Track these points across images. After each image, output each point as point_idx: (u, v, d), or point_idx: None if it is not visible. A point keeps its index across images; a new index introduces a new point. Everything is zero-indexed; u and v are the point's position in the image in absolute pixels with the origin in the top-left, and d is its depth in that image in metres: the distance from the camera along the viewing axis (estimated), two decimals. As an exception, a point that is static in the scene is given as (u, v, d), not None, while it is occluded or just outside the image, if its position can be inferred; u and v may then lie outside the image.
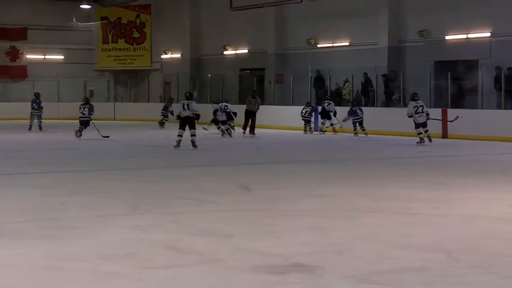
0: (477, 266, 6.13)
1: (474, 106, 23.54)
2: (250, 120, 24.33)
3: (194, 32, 37.15)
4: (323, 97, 27.73)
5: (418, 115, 20.12)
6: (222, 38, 35.08)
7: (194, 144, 18.42)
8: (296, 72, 29.88)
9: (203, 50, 37.06)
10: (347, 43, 29.54)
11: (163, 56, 39.49)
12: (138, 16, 40.40)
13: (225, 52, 35.34)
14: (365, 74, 26.96)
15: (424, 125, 20.14)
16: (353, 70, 27.04)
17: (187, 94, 19.47)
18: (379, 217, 8.64)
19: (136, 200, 9.79)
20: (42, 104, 26.40)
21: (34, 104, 26.43)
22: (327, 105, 25.55)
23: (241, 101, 31.08)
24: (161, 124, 29.23)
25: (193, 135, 18.58)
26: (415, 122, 20.24)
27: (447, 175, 13.11)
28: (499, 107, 22.81)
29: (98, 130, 21.71)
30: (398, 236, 7.40)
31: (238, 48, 34.80)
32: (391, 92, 26.60)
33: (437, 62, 26.29)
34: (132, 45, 40.76)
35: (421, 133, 20.11)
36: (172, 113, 27.97)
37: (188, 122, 18.61)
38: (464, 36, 25.60)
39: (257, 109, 24.69)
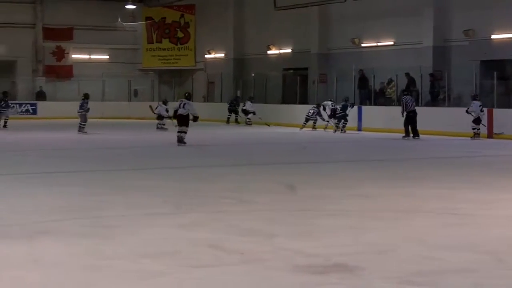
0: (523, 268, 6.05)
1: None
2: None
3: (237, 32, 37.21)
4: (367, 96, 27.69)
5: (482, 113, 21.72)
6: (265, 37, 35.08)
7: (181, 140, 18.90)
8: (340, 72, 29.75)
9: (246, 50, 37.09)
10: (392, 43, 29.33)
11: (207, 56, 39.63)
12: (182, 16, 40.60)
13: (268, 52, 35.33)
14: (407, 74, 26.73)
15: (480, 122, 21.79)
16: (397, 70, 26.85)
17: (186, 94, 20.57)
18: (422, 217, 8.57)
19: (179, 199, 9.84)
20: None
21: (2, 103, 26.86)
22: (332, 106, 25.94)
23: (284, 101, 31.09)
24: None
25: (182, 132, 19.06)
26: (479, 119, 21.60)
27: (492, 175, 12.98)
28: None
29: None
30: (442, 237, 7.34)
31: (281, 48, 34.77)
32: (437, 91, 26.35)
33: (482, 61, 25.97)
34: (176, 45, 40.98)
35: (478, 129, 21.58)
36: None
37: (181, 119, 19.13)
38: (510, 35, 25.25)
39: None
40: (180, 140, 18.91)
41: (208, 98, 38.44)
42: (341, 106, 25.56)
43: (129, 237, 7.28)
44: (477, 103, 21.67)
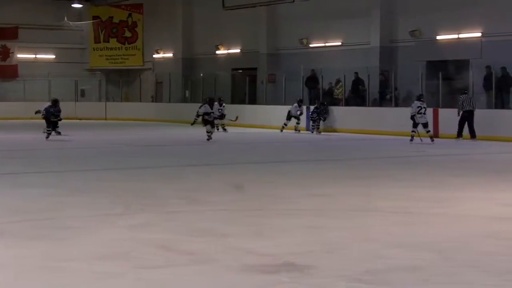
0: (470, 265, 6.14)
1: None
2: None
3: (186, 32, 37.12)
4: (316, 96, 27.87)
5: (420, 115, 20.62)
6: (214, 37, 35.07)
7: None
8: (289, 71, 29.88)
9: (195, 49, 37.03)
10: (339, 43, 29.57)
11: (155, 56, 39.46)
12: (130, 15, 40.36)
13: (217, 52, 35.33)
14: (356, 74, 27.00)
15: (425, 125, 20.72)
16: (345, 70, 27.06)
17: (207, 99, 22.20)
18: (374, 216, 8.65)
19: (131, 199, 9.78)
20: None
21: None
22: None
23: (233, 101, 31.12)
24: None
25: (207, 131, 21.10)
26: (414, 121, 20.68)
27: (441, 175, 13.16)
28: (489, 106, 22.85)
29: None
30: (392, 236, 7.41)
31: (230, 48, 34.79)
32: (384, 92, 26.63)
33: (428, 62, 26.35)
34: (124, 45, 40.71)
35: (414, 131, 20.69)
36: None
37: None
38: (455, 36, 25.67)
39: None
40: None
41: (156, 98, 38.27)
42: (315, 107, 25.44)
43: (82, 239, 7.21)
44: (416, 103, 20.77)
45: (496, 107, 22.75)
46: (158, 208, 9.21)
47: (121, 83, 40.02)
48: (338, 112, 26.29)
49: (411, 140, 20.65)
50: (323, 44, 30.19)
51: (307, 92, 29.00)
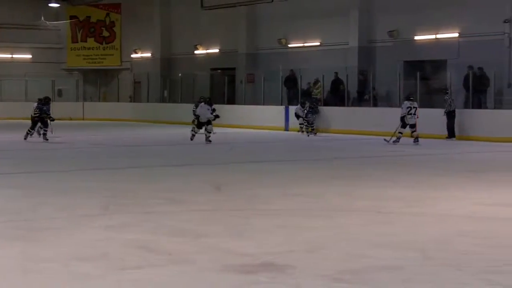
0: (448, 264, 6.17)
1: (442, 106, 23.66)
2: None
3: (164, 32, 37.04)
4: (295, 96, 27.91)
5: (410, 116, 20.20)
6: (193, 37, 35.02)
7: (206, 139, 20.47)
8: (267, 71, 29.89)
9: (173, 49, 36.95)
10: (318, 43, 29.63)
11: (133, 56, 39.33)
12: (107, 15, 40.20)
13: (196, 52, 35.27)
14: (336, 73, 27.06)
15: (413, 126, 20.28)
16: (324, 70, 27.11)
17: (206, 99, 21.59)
18: (353, 216, 8.67)
19: (109, 200, 9.73)
20: None
21: None
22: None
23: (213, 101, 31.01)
24: None
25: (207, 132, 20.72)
26: (403, 122, 20.28)
27: (420, 174, 13.21)
28: (466, 106, 22.98)
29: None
30: (372, 235, 7.43)
31: (209, 48, 34.75)
32: (363, 91, 26.72)
33: (406, 62, 26.48)
34: (102, 44, 40.55)
35: (401, 133, 20.27)
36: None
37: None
38: (433, 36, 25.82)
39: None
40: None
41: (134, 98, 38.16)
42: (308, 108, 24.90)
43: (59, 240, 7.17)
44: (406, 103, 20.46)
45: (473, 107, 22.88)
46: (137, 208, 9.18)
47: (99, 83, 39.85)
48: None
49: (397, 141, 20.12)
50: (301, 44, 30.24)
51: (286, 92, 29.03)
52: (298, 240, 7.16)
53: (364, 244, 6.99)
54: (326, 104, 27.02)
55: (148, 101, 36.22)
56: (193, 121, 22.44)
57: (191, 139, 20.79)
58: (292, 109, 27.13)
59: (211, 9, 31.88)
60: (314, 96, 27.54)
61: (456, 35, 25.15)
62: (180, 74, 34.88)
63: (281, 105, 28.03)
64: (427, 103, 23.96)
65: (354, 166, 15.22)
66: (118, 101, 38.07)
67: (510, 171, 13.81)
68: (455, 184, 11.68)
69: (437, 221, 8.33)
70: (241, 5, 31.19)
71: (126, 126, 30.53)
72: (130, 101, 37.90)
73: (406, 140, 20.28)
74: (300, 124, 25.01)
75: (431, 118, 22.03)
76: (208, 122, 20.69)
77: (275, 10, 30.28)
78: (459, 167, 14.73)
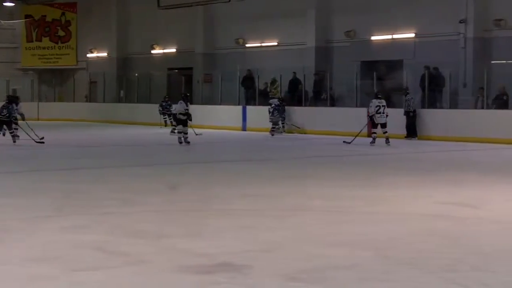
0: (404, 263, 6.20)
1: (399, 105, 23.86)
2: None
3: (121, 31, 36.81)
4: (253, 96, 27.90)
5: (379, 115, 19.51)
6: (149, 37, 34.84)
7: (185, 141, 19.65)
8: (225, 71, 29.86)
9: (130, 49, 36.74)
10: (276, 43, 29.68)
11: (89, 55, 39.02)
12: (63, 14, 39.82)
13: (152, 51, 35.11)
14: (294, 73, 27.11)
15: (383, 125, 19.58)
16: (282, 70, 27.16)
17: (182, 95, 20.82)
18: (310, 215, 8.69)
19: (65, 201, 9.63)
20: None
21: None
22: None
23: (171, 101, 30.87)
24: None
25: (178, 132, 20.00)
26: (373, 122, 19.71)
27: (377, 173, 13.29)
28: (422, 106, 23.18)
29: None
30: (328, 235, 7.44)
31: (166, 47, 34.61)
32: (320, 91, 26.81)
33: (363, 62, 26.66)
34: (57, 44, 40.15)
35: (375, 133, 19.72)
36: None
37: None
38: (389, 36, 26.02)
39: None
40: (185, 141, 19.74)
41: (90, 98, 37.85)
42: (277, 105, 24.48)
43: (14, 241, 7.07)
44: (375, 102, 19.73)
45: (429, 107, 23.08)
46: (92, 209, 9.08)
47: (55, 83, 39.44)
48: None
49: (373, 142, 19.53)
50: (259, 44, 30.26)
51: (244, 92, 29.02)
52: (255, 240, 7.14)
53: (320, 243, 7.00)
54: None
55: (104, 101, 35.95)
56: (168, 123, 21.78)
57: (180, 142, 19.66)
58: (250, 109, 27.16)
59: (168, 8, 31.77)
60: (272, 96, 27.58)
61: (412, 35, 25.38)
62: (136, 74, 34.68)
63: (239, 105, 28.03)
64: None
65: (311, 166, 15.25)
66: (74, 101, 37.73)
67: (466, 171, 13.94)
68: (411, 184, 11.76)
69: (393, 220, 8.37)
70: (198, 5, 31.14)
71: (81, 126, 30.26)
72: (86, 101, 37.60)
73: (364, 140, 20.36)
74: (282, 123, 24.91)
75: (389, 118, 22.17)
76: (185, 123, 19.85)
77: (232, 10, 30.26)
78: (415, 167, 14.84)
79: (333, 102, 26.12)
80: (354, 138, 19.81)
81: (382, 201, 9.78)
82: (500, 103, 21.58)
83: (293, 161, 16.40)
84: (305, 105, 26.46)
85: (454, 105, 23.10)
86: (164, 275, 5.81)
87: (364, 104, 24.51)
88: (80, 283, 5.62)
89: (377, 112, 19.52)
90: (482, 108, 21.98)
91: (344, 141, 19.92)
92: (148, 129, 28.26)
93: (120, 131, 26.98)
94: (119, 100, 35.55)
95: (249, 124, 26.71)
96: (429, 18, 24.72)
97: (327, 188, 11.15)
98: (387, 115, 19.71)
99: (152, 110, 31.05)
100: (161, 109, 28.29)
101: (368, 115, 19.82)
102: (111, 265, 6.15)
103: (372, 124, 19.81)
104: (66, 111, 36.06)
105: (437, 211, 8.98)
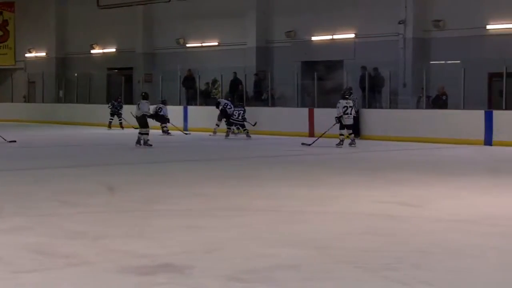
0: (347, 261, 6.23)
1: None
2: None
3: (60, 30, 36.39)
4: (194, 96, 27.83)
5: (346, 116, 18.78)
6: (89, 36, 34.50)
7: (146, 143, 18.81)
8: (165, 71, 29.72)
9: (69, 49, 36.33)
10: (216, 43, 29.65)
11: (28, 55, 38.47)
12: (1, 13, 39.19)
13: (92, 51, 34.77)
14: (235, 73, 27.12)
15: (349, 127, 19.01)
16: (223, 70, 27.14)
17: (143, 94, 19.95)
18: (253, 215, 8.68)
19: (2, 203, 9.44)
20: None
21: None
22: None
23: (108, 101, 30.64)
24: None
25: (141, 133, 18.98)
26: (341, 123, 18.98)
27: (319, 174, 13.36)
28: (362, 106, 23.39)
29: None
30: (271, 234, 7.45)
31: (106, 47, 34.31)
32: (261, 91, 26.86)
33: (303, 62, 26.80)
34: (-5, 43, 39.50)
35: (342, 134, 19.06)
36: None
37: (138, 120, 19.19)
38: (329, 37, 26.19)
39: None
40: (146, 143, 18.85)
41: (29, 98, 37.30)
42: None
43: None
44: (342, 102, 18.96)
45: (369, 107, 23.30)
46: (31, 211, 8.93)
47: (-8, 83, 38.79)
48: (216, 112, 26.23)
49: (340, 144, 18.90)
50: (200, 44, 30.20)
51: (185, 92, 28.92)
52: (198, 241, 7.10)
53: (263, 243, 7.00)
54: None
55: (43, 101, 35.47)
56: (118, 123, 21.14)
57: (139, 144, 18.94)
58: (192, 109, 27.08)
59: (107, 8, 31.49)
60: (213, 96, 27.55)
61: (352, 36, 25.60)
62: (76, 74, 34.30)
63: (180, 105, 27.91)
64: (324, 103, 24.30)
65: (254, 166, 15.28)
66: (12, 101, 37.12)
67: (406, 170, 14.09)
68: (354, 183, 11.84)
69: (336, 219, 8.42)
70: (138, 5, 30.96)
71: (20, 126, 29.76)
72: (25, 101, 37.04)
73: (306, 139, 20.45)
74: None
75: (329, 118, 22.33)
76: (146, 124, 19.06)
77: (173, 10, 30.15)
78: (357, 166, 14.97)
79: (274, 102, 26.19)
80: (316, 140, 19.45)
81: (325, 201, 9.82)
82: (440, 103, 21.90)
83: (236, 161, 16.39)
84: (246, 105, 26.44)
85: (394, 105, 23.37)
86: (106, 276, 5.76)
87: (305, 104, 24.70)
88: (21, 285, 5.53)
89: (344, 113, 18.82)
90: (422, 108, 22.27)
91: (302, 143, 19.31)
92: (88, 129, 27.96)
93: (59, 132, 26.62)
94: (58, 100, 35.11)
95: (190, 124, 26.59)
96: (369, 19, 24.97)
97: (270, 188, 11.16)
98: (354, 116, 19.25)
99: (92, 110, 30.79)
100: (112, 107, 27.81)
101: (336, 117, 19.09)
102: (52, 266, 6.07)
103: (340, 125, 19.09)
104: (4, 112, 35.44)
105: (379, 210, 9.05)
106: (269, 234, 7.46)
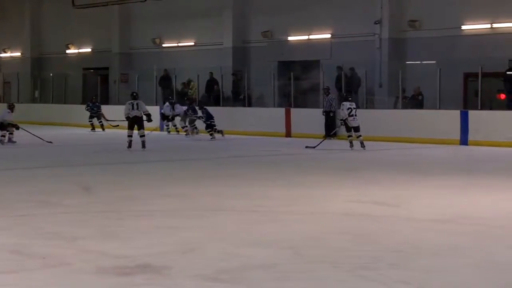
0: (323, 261, 6.25)
1: (316, 105, 24.09)
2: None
3: (35, 30, 36.16)
4: (169, 96, 27.70)
5: (351, 118, 18.24)
6: (64, 36, 34.32)
7: (143, 145, 17.98)
8: (142, 71, 29.63)
9: (44, 48, 36.12)
10: (193, 43, 29.61)
11: (2, 55, 38.22)
12: (-25, 13, 38.85)
13: (67, 51, 34.60)
14: (211, 73, 27.10)
15: (357, 129, 18.38)
16: (199, 70, 27.10)
17: (134, 94, 18.91)
18: (228, 215, 8.69)
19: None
20: None
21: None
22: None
23: (84, 101, 30.52)
24: None
25: (142, 135, 18.10)
26: (346, 126, 18.49)
27: (294, 173, 13.38)
28: (339, 106, 23.44)
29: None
30: (246, 234, 7.46)
31: (81, 47, 34.16)
32: (238, 92, 26.84)
33: (280, 62, 26.82)
34: (-31, 43, 39.14)
35: (351, 136, 18.49)
36: None
37: (137, 122, 18.19)
38: (306, 37, 26.24)
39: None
40: (143, 145, 18.00)
41: (4, 98, 37.02)
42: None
43: None
44: (346, 104, 18.40)
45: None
46: (7, 211, 8.88)
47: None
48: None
49: (351, 146, 18.38)
50: (176, 44, 30.15)
51: (161, 92, 28.84)
52: (173, 241, 7.10)
53: (239, 243, 7.01)
54: (201, 104, 26.98)
55: (18, 102, 35.19)
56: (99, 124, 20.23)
57: (130, 147, 18.15)
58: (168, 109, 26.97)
59: (82, 7, 31.36)
60: (190, 96, 27.47)
61: (329, 36, 25.66)
62: (51, 74, 34.10)
63: (156, 105, 27.79)
64: (300, 103, 24.37)
65: (228, 165, 15.29)
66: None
67: (382, 170, 14.15)
68: (328, 183, 11.89)
69: (311, 219, 8.45)
70: (113, 4, 30.84)
71: None
72: (0, 102, 36.75)
73: (279, 140, 20.47)
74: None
75: (305, 118, 22.39)
76: (142, 125, 18.36)
77: (149, 10, 30.08)
78: (333, 166, 15.01)
79: (251, 102, 26.20)
80: (321, 142, 18.88)
81: (300, 201, 9.85)
82: (416, 103, 22.01)
83: (211, 161, 16.38)
84: (223, 105, 26.45)
85: (370, 105, 23.45)
86: (83, 276, 5.75)
87: (282, 104, 24.71)
88: (-4, 287, 5.51)
89: (349, 115, 18.31)
90: (399, 108, 22.36)
91: (306, 146, 18.75)
92: (64, 129, 27.79)
93: (34, 132, 26.39)
94: (33, 100, 34.89)
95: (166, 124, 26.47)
96: (345, 19, 25.04)
97: (244, 188, 11.18)
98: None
99: (68, 110, 30.63)
100: (89, 109, 27.23)
101: (340, 119, 18.77)
102: (29, 267, 6.06)
103: (346, 128, 18.66)
104: (-22, 112, 35.14)
105: (354, 210, 9.09)
106: (243, 234, 7.47)
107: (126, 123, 18.62)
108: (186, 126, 24.14)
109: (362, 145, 18.25)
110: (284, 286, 5.57)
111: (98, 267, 5.99)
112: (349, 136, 18.58)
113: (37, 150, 19.05)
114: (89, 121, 27.24)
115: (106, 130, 26.43)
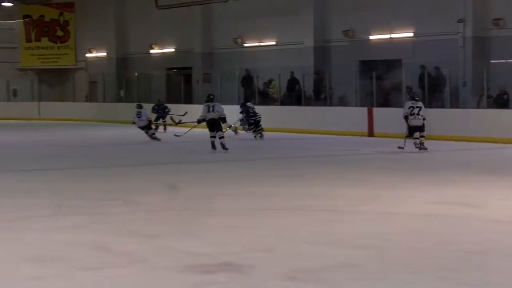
0: (399, 262, 6.25)
1: (398, 105, 23.85)
2: None
3: (119, 31, 36.78)
4: (252, 96, 27.86)
5: (412, 117, 17.55)
6: (148, 36, 34.82)
7: (224, 147, 17.73)
8: (224, 71, 29.86)
9: (129, 48, 36.71)
10: (274, 43, 29.67)
11: (88, 55, 38.99)
12: (61, 14, 39.80)
13: (151, 51, 35.09)
14: (292, 73, 27.14)
15: (420, 129, 17.64)
16: (280, 69, 27.16)
17: (211, 96, 18.92)
18: (303, 215, 8.74)
19: (61, 201, 9.65)
20: None
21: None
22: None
23: (169, 101, 30.94)
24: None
25: (221, 137, 17.91)
26: (408, 125, 17.76)
27: (370, 172, 13.26)
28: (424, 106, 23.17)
29: None
30: (322, 234, 7.49)
31: (164, 47, 34.59)
32: (319, 91, 26.80)
33: (361, 61, 26.64)
34: (56, 44, 40.13)
35: (408, 136, 17.84)
36: None
37: (214, 124, 18.03)
38: (387, 36, 26.02)
39: None
40: (224, 147, 17.73)
41: (90, 98, 37.86)
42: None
43: (11, 241, 7.10)
44: (408, 103, 18.02)
45: (429, 106, 23.04)
46: (88, 209, 9.11)
47: (54, 83, 39.44)
48: (274, 112, 26.31)
49: (419, 146, 17.59)
50: (257, 44, 30.26)
51: (243, 92, 29.02)
52: (252, 240, 7.18)
53: (315, 242, 7.04)
54: (282, 103, 27.08)
55: (104, 101, 35.98)
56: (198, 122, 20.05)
57: (214, 148, 17.85)
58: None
59: (165, 8, 31.78)
60: (271, 96, 27.63)
61: (411, 34, 25.37)
62: (136, 74, 34.67)
63: (238, 104, 27.96)
64: (383, 103, 24.18)
65: (300, 165, 15.20)
66: (74, 101, 37.72)
67: (466, 170, 13.91)
68: (403, 183, 11.75)
69: (385, 219, 8.41)
70: (196, 5, 31.15)
71: (81, 126, 30.20)
72: (86, 101, 37.58)
73: (360, 139, 20.27)
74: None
75: (387, 118, 22.21)
76: (219, 127, 18.09)
77: (230, 10, 30.25)
78: (409, 167, 14.77)
79: (332, 101, 26.13)
80: (405, 142, 17.76)
81: (372, 201, 9.77)
82: (501, 102, 21.60)
83: (292, 160, 16.37)
84: (304, 105, 26.47)
85: (454, 104, 23.11)
86: (169, 274, 5.88)
87: (364, 104, 24.57)
88: (84, 282, 5.69)
89: (410, 114, 17.67)
90: (483, 107, 21.97)
91: (398, 147, 17.67)
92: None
93: (119, 131, 26.93)
94: (119, 100, 35.54)
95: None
96: (427, 17, 24.72)
97: (321, 188, 11.16)
98: (424, 118, 17.81)
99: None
100: (155, 112, 27.29)
101: (404, 116, 17.93)
102: (115, 264, 6.22)
103: (407, 126, 17.88)
104: (66, 111, 36.02)
105: (427, 211, 8.95)
106: (319, 234, 7.50)
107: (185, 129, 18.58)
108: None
109: (421, 146, 17.56)
110: (363, 286, 5.60)
111: (181, 265, 6.10)
112: (414, 137, 17.73)
113: (120, 149, 19.42)
114: (155, 122, 27.11)
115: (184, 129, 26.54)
